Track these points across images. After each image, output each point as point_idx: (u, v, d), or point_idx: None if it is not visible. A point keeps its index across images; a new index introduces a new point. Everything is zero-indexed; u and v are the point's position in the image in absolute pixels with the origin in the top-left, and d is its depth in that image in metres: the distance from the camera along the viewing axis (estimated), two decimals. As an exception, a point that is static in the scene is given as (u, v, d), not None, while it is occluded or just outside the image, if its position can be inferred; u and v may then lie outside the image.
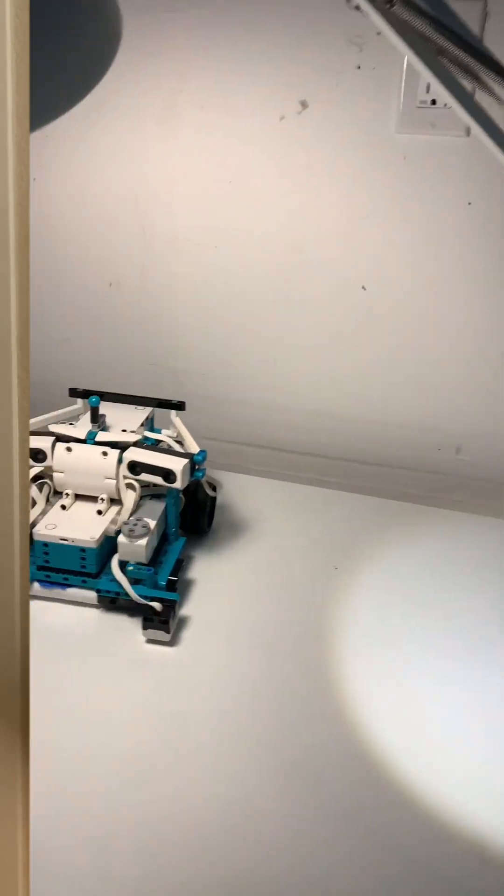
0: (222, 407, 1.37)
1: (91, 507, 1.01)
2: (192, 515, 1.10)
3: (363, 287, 1.23)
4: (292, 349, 1.31)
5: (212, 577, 1.05)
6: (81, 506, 1.01)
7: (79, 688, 0.86)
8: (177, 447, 1.07)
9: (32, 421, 1.09)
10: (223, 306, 1.31)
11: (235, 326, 1.32)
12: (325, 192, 1.19)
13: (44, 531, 0.95)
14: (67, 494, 1.01)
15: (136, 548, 0.95)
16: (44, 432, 1.03)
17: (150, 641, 0.93)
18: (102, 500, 1.00)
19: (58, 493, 1.03)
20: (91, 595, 0.97)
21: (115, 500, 1.02)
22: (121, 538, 0.95)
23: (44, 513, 0.99)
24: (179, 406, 1.12)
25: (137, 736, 0.80)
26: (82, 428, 1.03)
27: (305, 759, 0.79)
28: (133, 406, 1.13)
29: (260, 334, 1.31)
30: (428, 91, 1.09)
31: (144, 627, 0.92)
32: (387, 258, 1.20)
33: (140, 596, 0.92)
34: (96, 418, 1.02)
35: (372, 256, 1.21)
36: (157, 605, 0.92)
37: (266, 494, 1.28)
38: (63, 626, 0.95)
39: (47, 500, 1.01)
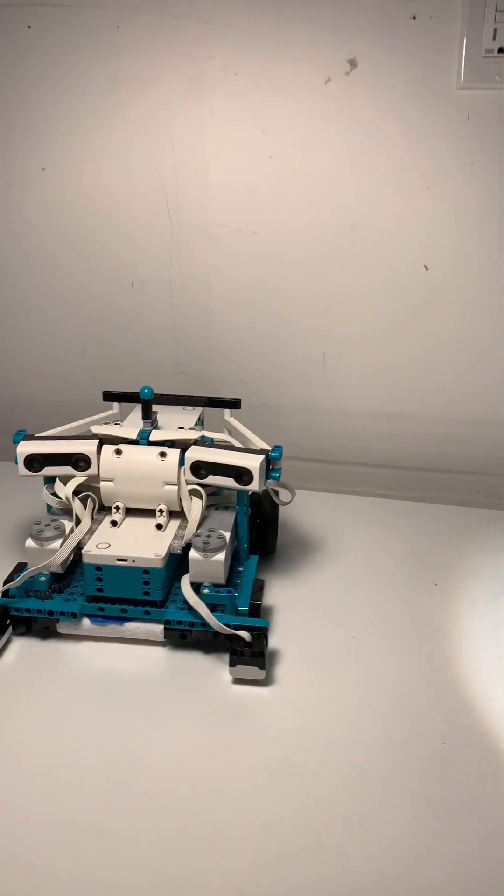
0: (264, 416, 1.20)
1: (147, 523, 0.83)
2: (258, 531, 0.92)
3: (425, 266, 1.09)
4: (344, 343, 1.16)
5: (291, 601, 0.87)
6: (135, 522, 0.83)
7: (159, 745, 0.66)
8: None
9: (61, 429, 0.91)
10: (265, 300, 1.16)
11: (279, 322, 1.17)
12: (380, 161, 1.06)
13: (95, 551, 0.77)
14: (117, 508, 0.83)
15: (212, 565, 0.77)
16: (84, 436, 0.85)
17: (238, 681, 0.74)
18: (161, 511, 0.83)
19: (104, 509, 0.85)
20: (156, 630, 0.78)
21: (175, 513, 0.84)
22: (193, 554, 0.77)
23: (90, 531, 0.81)
24: (234, 404, 0.96)
25: (246, 796, 0.61)
26: (131, 428, 0.86)
27: (458, 807, 0.60)
28: (180, 408, 0.96)
29: (307, 329, 1.16)
30: (495, 38, 0.98)
31: (232, 664, 0.73)
32: (452, 233, 1.07)
33: (223, 625, 0.74)
34: (149, 414, 0.85)
35: (435, 232, 1.08)
36: (245, 635, 0.74)
37: (323, 509, 1.11)
38: (126, 671, 0.76)
39: (92, 516, 0.83)
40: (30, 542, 0.78)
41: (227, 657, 0.77)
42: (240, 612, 0.78)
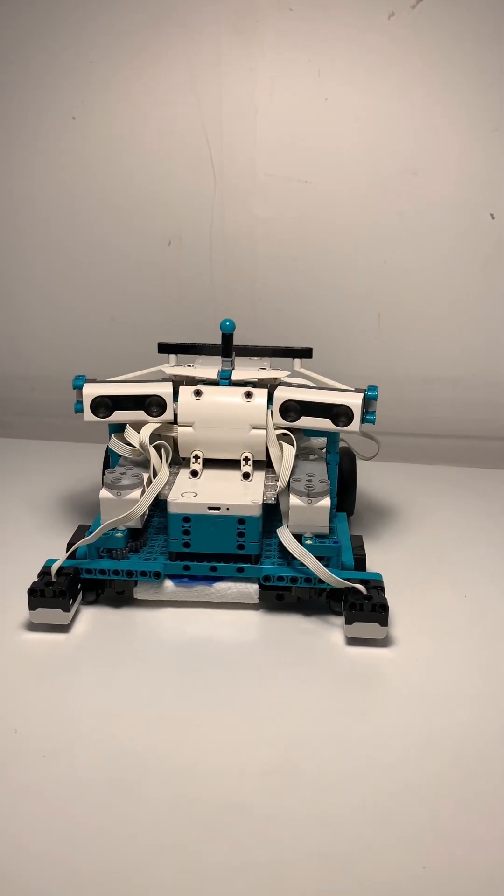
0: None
1: (230, 475, 0.73)
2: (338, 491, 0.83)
3: (492, 215, 1.03)
4: (402, 301, 1.09)
5: (384, 564, 0.77)
6: (216, 474, 0.73)
7: (277, 718, 0.56)
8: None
9: (115, 379, 0.81)
10: (315, 256, 1.08)
11: (330, 280, 1.09)
12: (446, 102, 1.00)
13: (182, 499, 0.67)
14: (196, 458, 0.73)
15: (317, 512, 0.67)
16: (154, 380, 0.76)
17: (353, 642, 0.64)
18: (247, 460, 0.73)
19: (176, 462, 0.75)
20: (250, 590, 0.68)
21: (259, 464, 0.75)
22: (295, 500, 0.67)
23: (168, 484, 0.71)
24: (306, 353, 0.87)
25: (395, 766, 0.51)
26: (208, 368, 0.77)
27: None
28: (246, 359, 0.87)
29: (361, 287, 1.09)
30: None
31: (349, 621, 0.63)
32: (520, 177, 1.01)
33: (337, 577, 0.64)
34: (229, 351, 0.75)
35: (500, 176, 1.01)
36: (361, 588, 0.64)
37: (385, 477, 1.02)
38: (220, 638, 0.66)
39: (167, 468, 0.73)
40: (105, 493, 0.68)
41: (331, 619, 0.68)
42: (346, 567, 0.68)
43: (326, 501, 0.67)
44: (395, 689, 0.60)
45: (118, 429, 0.75)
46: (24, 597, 0.65)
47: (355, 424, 0.71)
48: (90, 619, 0.67)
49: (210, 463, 0.74)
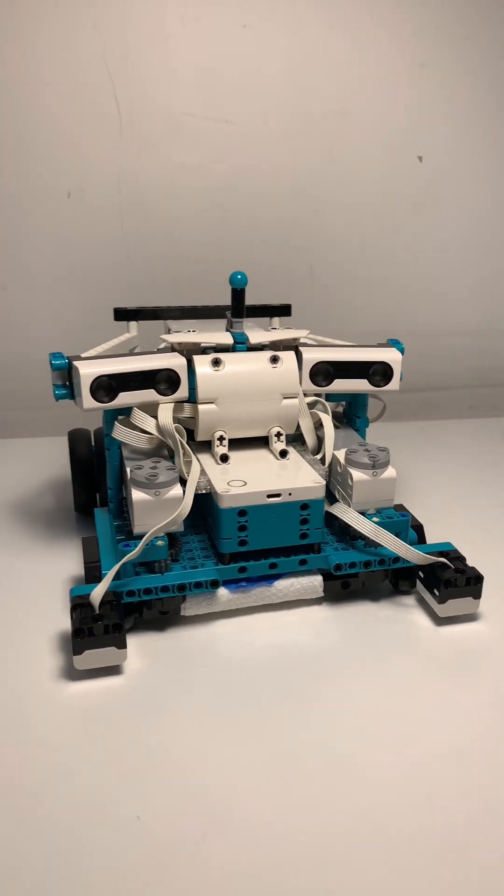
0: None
1: (261, 455, 0.63)
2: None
3: (419, 157, 0.99)
4: (337, 250, 1.02)
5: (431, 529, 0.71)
6: (245, 456, 0.62)
7: (393, 717, 0.49)
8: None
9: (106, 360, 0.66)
10: (243, 205, 0.98)
11: (260, 232, 0.99)
12: (372, 35, 0.94)
13: (236, 490, 0.56)
14: (222, 440, 0.62)
15: (383, 484, 0.60)
16: (149, 352, 0.62)
17: (444, 622, 0.58)
18: (279, 436, 0.63)
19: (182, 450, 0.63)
20: (314, 583, 0.59)
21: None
22: (358, 474, 0.59)
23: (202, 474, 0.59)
24: (284, 310, 0.78)
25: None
26: (215, 333, 0.65)
27: None
28: (219, 321, 0.76)
29: (293, 238, 1.01)
30: None
31: (443, 599, 0.57)
32: (450, 117, 0.98)
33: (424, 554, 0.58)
34: (241, 311, 0.64)
35: (431, 116, 0.98)
36: (444, 560, 0.58)
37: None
38: (301, 642, 0.56)
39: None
40: (140, 494, 0.54)
41: (402, 600, 0.61)
42: (412, 541, 0.62)
43: (392, 472, 0.60)
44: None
45: (112, 416, 0.61)
46: (43, 638, 0.51)
47: (395, 383, 0.64)
48: (137, 651, 0.54)
49: (232, 444, 0.63)
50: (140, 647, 0.55)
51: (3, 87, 0.88)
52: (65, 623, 0.57)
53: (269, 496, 0.56)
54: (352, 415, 0.69)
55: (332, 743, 0.46)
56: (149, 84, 0.91)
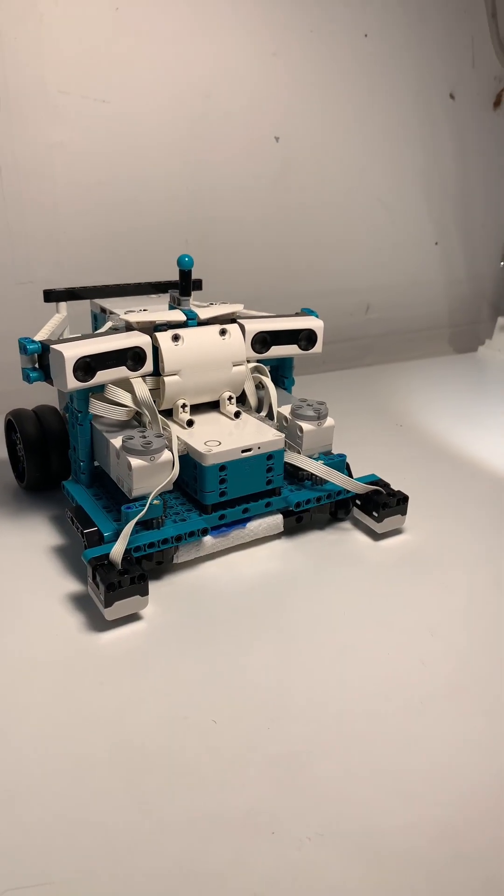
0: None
1: (215, 418, 0.71)
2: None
3: (276, 138, 1.10)
4: (207, 226, 1.10)
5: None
6: (203, 419, 0.71)
7: (363, 615, 0.62)
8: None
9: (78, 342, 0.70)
10: (121, 182, 1.02)
11: (138, 209, 1.05)
12: (229, 21, 1.01)
13: (217, 449, 0.64)
14: (184, 407, 0.69)
15: (325, 432, 0.71)
16: (107, 332, 0.68)
17: (380, 538, 0.72)
18: (231, 399, 0.72)
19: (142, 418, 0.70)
20: (276, 521, 0.70)
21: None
22: (307, 425, 0.70)
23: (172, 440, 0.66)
24: (197, 285, 0.86)
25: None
26: (163, 311, 0.71)
27: None
28: (145, 297, 0.82)
29: (169, 214, 1.07)
30: None
31: (380, 519, 0.71)
32: (298, 102, 1.10)
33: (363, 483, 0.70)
34: (188, 290, 0.71)
35: (284, 100, 1.09)
36: (379, 488, 0.72)
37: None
38: (278, 569, 0.67)
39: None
40: (138, 461, 0.61)
41: (341, 526, 0.74)
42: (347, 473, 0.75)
43: (331, 421, 0.71)
44: (441, 562, 0.70)
45: (84, 394, 0.66)
46: (55, 603, 0.57)
47: (318, 346, 0.76)
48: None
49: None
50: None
51: None
52: (69, 587, 0.63)
53: (242, 451, 0.65)
54: (280, 376, 0.80)
55: (328, 634, 0.58)
56: (23, 61, 0.91)
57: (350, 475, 0.76)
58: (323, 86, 1.10)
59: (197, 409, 0.72)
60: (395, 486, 0.75)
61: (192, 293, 0.84)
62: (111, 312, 0.75)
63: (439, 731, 0.50)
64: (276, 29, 1.04)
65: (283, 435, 0.68)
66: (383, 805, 0.44)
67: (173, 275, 0.92)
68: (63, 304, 0.78)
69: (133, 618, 0.59)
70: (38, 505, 0.76)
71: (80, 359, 0.62)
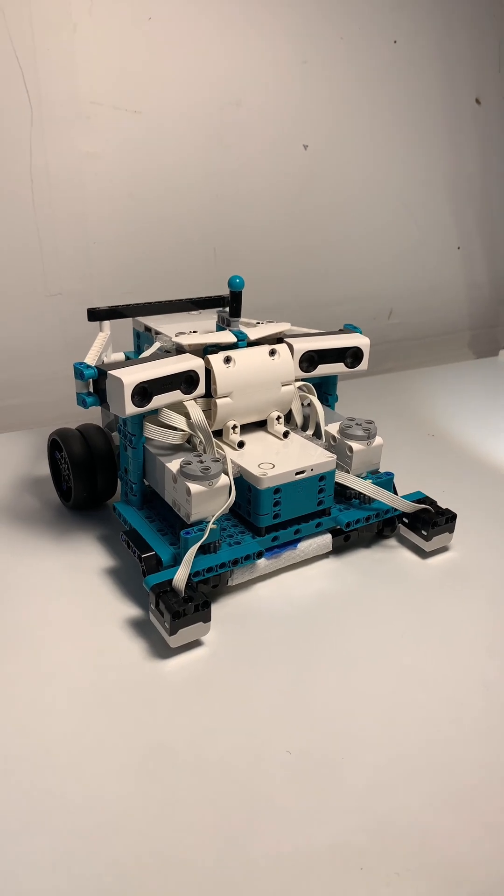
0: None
1: (263, 437, 0.71)
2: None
3: (304, 146, 1.10)
4: (235, 234, 1.10)
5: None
6: (253, 439, 0.71)
7: (413, 636, 0.63)
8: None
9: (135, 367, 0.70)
10: (151, 193, 1.02)
11: (167, 219, 1.04)
12: (261, 30, 1.01)
13: (272, 472, 0.64)
14: (235, 428, 0.70)
15: (374, 451, 0.72)
16: (159, 356, 0.67)
17: (427, 555, 0.73)
18: (279, 419, 0.72)
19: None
20: (325, 541, 0.70)
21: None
22: (357, 445, 0.70)
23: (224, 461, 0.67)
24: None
25: None
26: (211, 332, 0.71)
27: None
28: (186, 314, 0.82)
29: (197, 223, 1.07)
30: None
31: (429, 537, 0.71)
32: (326, 109, 1.09)
33: (410, 502, 0.71)
34: (238, 310, 0.71)
35: (314, 108, 1.08)
36: (428, 507, 0.72)
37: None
38: (331, 589, 0.67)
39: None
40: (197, 487, 0.61)
41: (386, 543, 0.74)
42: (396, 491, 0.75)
43: (380, 440, 0.72)
44: (489, 578, 0.70)
45: (139, 417, 0.66)
46: (115, 628, 0.58)
47: (364, 363, 0.76)
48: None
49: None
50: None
51: None
52: (128, 611, 0.63)
53: (296, 473, 0.66)
54: (324, 393, 0.80)
55: (388, 654, 0.59)
56: (57, 72, 0.91)
57: (394, 489, 0.76)
58: (352, 92, 1.10)
59: (244, 428, 0.72)
60: (438, 498, 0.76)
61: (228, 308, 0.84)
62: (157, 332, 0.75)
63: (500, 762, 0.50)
64: (307, 37, 1.03)
65: (335, 456, 0.68)
66: (467, 835, 0.45)
67: (202, 283, 0.92)
68: (106, 323, 0.78)
69: (195, 643, 0.60)
70: (85, 524, 0.76)
71: (138, 384, 0.62)
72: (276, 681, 0.56)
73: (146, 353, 0.72)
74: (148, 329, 0.77)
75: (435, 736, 0.52)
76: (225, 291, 1.05)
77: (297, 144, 1.09)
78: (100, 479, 0.75)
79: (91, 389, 0.65)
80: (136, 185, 1.00)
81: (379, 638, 0.61)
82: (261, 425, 0.73)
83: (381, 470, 0.74)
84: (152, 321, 0.78)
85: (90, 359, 0.71)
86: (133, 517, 0.68)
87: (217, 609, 0.64)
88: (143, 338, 0.79)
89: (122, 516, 0.69)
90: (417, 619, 0.64)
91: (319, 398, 0.80)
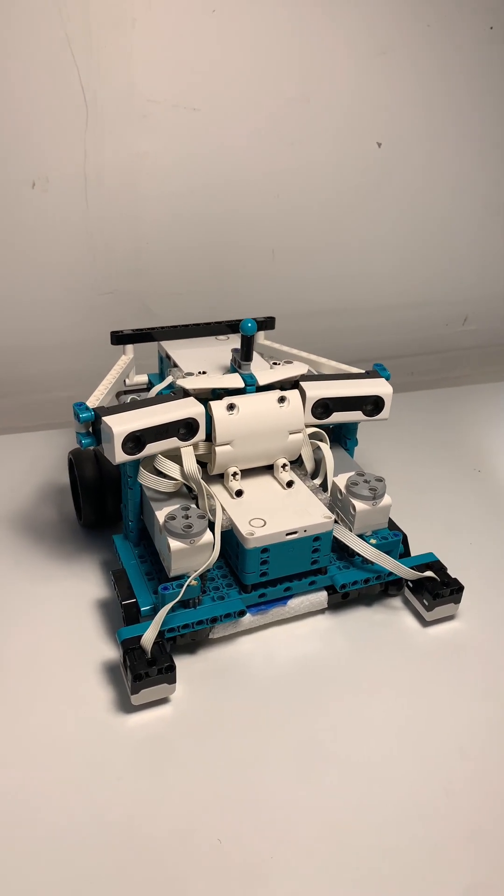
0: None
1: (267, 483, 0.69)
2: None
3: (378, 143, 1.02)
4: (297, 234, 1.05)
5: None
6: (254, 484, 0.69)
7: (397, 714, 0.60)
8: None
9: (98, 394, 0.70)
10: (206, 193, 0.98)
11: (222, 219, 1.01)
12: (335, 19, 0.93)
13: (260, 532, 0.62)
14: (235, 475, 0.68)
15: (380, 512, 0.68)
16: (169, 396, 0.66)
17: (429, 624, 0.69)
18: (285, 466, 0.70)
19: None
20: (320, 598, 0.68)
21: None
22: (361, 505, 0.67)
23: (218, 510, 0.65)
24: (268, 324, 0.83)
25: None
26: (222, 374, 0.69)
27: None
28: (213, 339, 0.80)
29: (254, 224, 1.03)
30: None
31: (431, 608, 0.68)
32: (406, 104, 1.01)
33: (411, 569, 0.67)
34: (250, 354, 0.68)
35: (392, 103, 1.00)
36: (433, 575, 0.68)
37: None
38: (314, 652, 0.65)
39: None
40: (177, 544, 0.60)
41: (390, 603, 0.71)
42: (402, 554, 0.71)
43: (388, 500, 0.68)
44: (489, 655, 0.66)
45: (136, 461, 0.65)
46: (89, 670, 0.59)
47: (386, 411, 0.71)
48: (181, 676, 0.62)
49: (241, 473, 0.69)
50: (178, 672, 0.62)
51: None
52: (106, 653, 0.64)
53: (287, 534, 0.63)
54: (342, 436, 0.76)
55: (355, 743, 0.56)
56: (113, 69, 0.88)
57: (407, 546, 0.73)
58: (437, 86, 1.00)
59: (251, 470, 0.70)
60: (456, 554, 0.72)
61: (264, 332, 0.81)
62: (174, 365, 0.73)
63: (453, 882, 0.48)
64: (387, 26, 0.95)
65: (333, 517, 0.65)
66: None
67: (258, 286, 0.89)
68: (130, 346, 0.77)
69: (162, 700, 0.60)
70: (93, 545, 0.77)
71: (129, 434, 0.61)
72: (232, 757, 0.56)
73: (154, 390, 0.71)
74: (168, 358, 0.76)
75: (371, 843, 0.50)
76: (285, 295, 1.02)
77: (369, 142, 1.01)
78: (110, 502, 0.75)
79: (89, 430, 0.65)
80: (191, 185, 0.97)
81: (350, 721, 0.59)
82: (269, 467, 0.71)
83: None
84: (173, 347, 0.76)
85: (106, 383, 0.71)
86: (126, 555, 0.69)
87: (192, 662, 0.64)
88: (166, 364, 0.77)
89: (117, 552, 0.69)
90: (397, 702, 0.61)
91: (337, 439, 0.76)
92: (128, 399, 0.76)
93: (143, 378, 0.79)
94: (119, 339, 0.76)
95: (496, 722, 0.60)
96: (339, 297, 1.10)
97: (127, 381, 0.78)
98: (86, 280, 0.99)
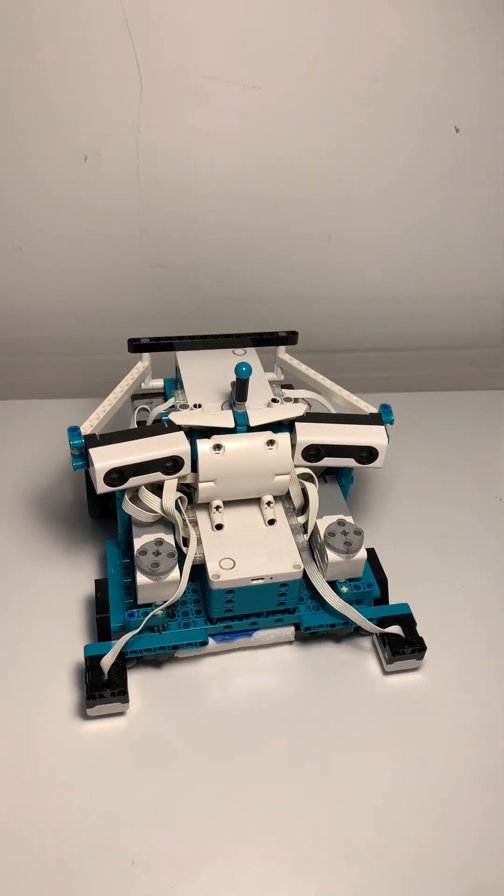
0: (255, 307, 1.05)
1: (251, 516, 0.71)
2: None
3: (456, 128, 0.93)
4: (355, 220, 1.00)
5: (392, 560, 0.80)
6: (237, 516, 0.71)
7: (343, 765, 0.63)
8: (315, 402, 0.78)
9: (104, 408, 0.72)
10: (262, 173, 0.95)
11: (277, 199, 0.97)
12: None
13: (226, 575, 0.65)
14: (217, 508, 0.70)
15: (354, 564, 0.69)
16: (160, 428, 0.68)
17: (390, 673, 0.71)
18: (269, 504, 0.71)
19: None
20: (287, 632, 0.71)
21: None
22: (333, 556, 0.68)
23: (197, 542, 0.68)
24: (290, 339, 0.81)
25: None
26: (217, 412, 0.70)
27: None
28: (230, 352, 0.80)
29: (311, 206, 0.98)
30: None
31: (391, 661, 0.69)
32: (492, 86, 0.91)
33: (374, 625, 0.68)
34: (244, 395, 0.68)
35: (477, 84, 0.90)
36: (398, 630, 0.69)
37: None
38: (269, 686, 0.69)
39: (184, 520, 0.69)
40: (143, 579, 0.64)
41: (360, 643, 0.73)
42: (376, 602, 0.72)
43: (363, 553, 0.68)
44: (440, 713, 0.68)
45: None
46: (62, 668, 0.66)
47: (379, 461, 0.70)
48: (138, 689, 0.67)
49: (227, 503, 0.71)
50: (140, 685, 0.68)
51: (24, 48, 0.83)
52: (81, 653, 0.70)
53: (253, 580, 0.66)
54: (338, 473, 0.76)
55: (273, 798, 0.61)
56: (169, 43, 0.84)
57: (386, 591, 0.73)
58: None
59: (245, 503, 0.72)
60: (441, 597, 0.75)
61: (285, 347, 0.80)
62: (178, 386, 0.74)
63: None
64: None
65: (301, 567, 0.67)
66: None
67: (311, 271, 0.98)
68: (146, 355, 0.78)
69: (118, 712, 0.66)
70: (97, 537, 0.82)
71: (110, 470, 0.64)
72: (165, 778, 0.61)
73: (155, 411, 0.73)
74: (178, 368, 0.77)
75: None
76: (339, 280, 0.99)
77: (445, 126, 0.93)
78: (113, 499, 0.79)
79: (81, 453, 0.68)
80: (247, 165, 0.93)
81: (284, 767, 0.63)
82: (257, 500, 0.72)
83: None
84: (186, 358, 0.77)
85: (117, 392, 0.73)
86: (114, 563, 0.73)
87: (156, 676, 0.69)
88: (178, 373, 0.78)
89: (107, 559, 0.74)
90: (339, 757, 0.64)
91: (336, 476, 0.76)
92: (141, 405, 0.79)
93: (159, 383, 0.81)
94: (136, 347, 0.77)
95: (423, 790, 0.62)
96: (392, 284, 1.05)
97: (144, 385, 0.80)
98: (133, 254, 0.99)
